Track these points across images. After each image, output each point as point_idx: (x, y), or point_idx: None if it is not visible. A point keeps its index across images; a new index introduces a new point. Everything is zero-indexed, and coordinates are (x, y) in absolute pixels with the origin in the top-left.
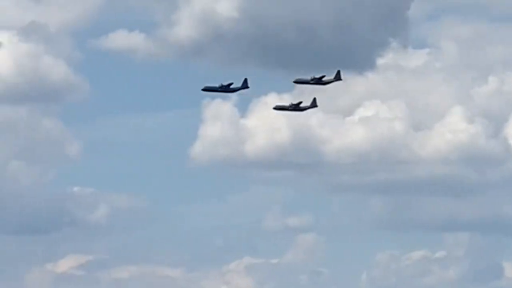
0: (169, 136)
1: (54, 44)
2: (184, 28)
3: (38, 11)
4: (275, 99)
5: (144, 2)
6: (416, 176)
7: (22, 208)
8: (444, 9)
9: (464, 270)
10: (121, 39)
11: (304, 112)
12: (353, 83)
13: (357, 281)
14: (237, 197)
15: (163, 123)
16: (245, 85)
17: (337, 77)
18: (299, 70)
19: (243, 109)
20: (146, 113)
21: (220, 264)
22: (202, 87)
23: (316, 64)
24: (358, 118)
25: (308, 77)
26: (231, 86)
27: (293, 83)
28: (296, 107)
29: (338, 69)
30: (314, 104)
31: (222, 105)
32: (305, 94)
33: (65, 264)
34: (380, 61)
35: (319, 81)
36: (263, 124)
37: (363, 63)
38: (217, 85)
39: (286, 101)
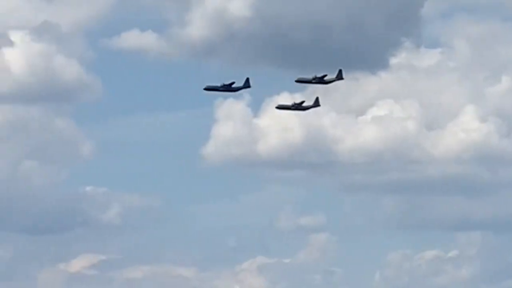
0: (182, 135)
1: (67, 44)
2: (197, 27)
3: (50, 11)
4: (287, 99)
5: (156, 2)
6: (429, 176)
7: (34, 208)
8: (456, 9)
9: (476, 270)
10: (134, 39)
11: (306, 111)
12: (366, 83)
13: (370, 280)
14: (250, 197)
15: (176, 123)
16: (247, 85)
17: (339, 76)
18: (312, 70)
19: (255, 108)
20: (159, 112)
21: (232, 263)
22: (204, 87)
23: (329, 64)
24: (371, 117)
25: (310, 76)
26: (233, 86)
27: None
28: (298, 106)
29: (340, 68)
30: (316, 104)
31: (235, 105)
32: (317, 93)
33: (77, 264)
34: (393, 61)
35: (321, 80)
36: (276, 123)
37: (376, 62)
38: (218, 84)
39: (299, 100)
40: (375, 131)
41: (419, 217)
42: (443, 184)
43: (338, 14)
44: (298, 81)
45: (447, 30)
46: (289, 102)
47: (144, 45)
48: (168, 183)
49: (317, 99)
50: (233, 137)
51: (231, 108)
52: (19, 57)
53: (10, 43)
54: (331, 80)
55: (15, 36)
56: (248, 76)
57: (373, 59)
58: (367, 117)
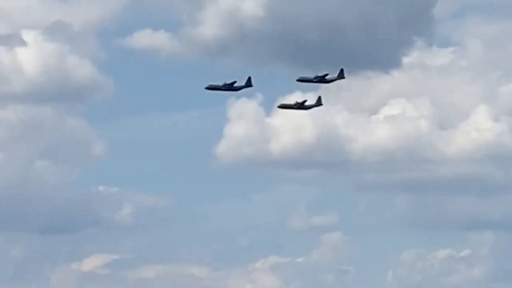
0: (194, 135)
1: (79, 44)
2: (209, 27)
3: (63, 11)
4: (300, 98)
5: (169, 1)
6: (441, 175)
7: (47, 208)
8: (469, 8)
9: (489, 269)
10: (146, 38)
11: (309, 110)
12: (379, 82)
13: (383, 280)
14: (262, 196)
15: (188, 122)
16: (248, 84)
17: (340, 76)
18: (324, 69)
19: (268, 108)
20: (171, 112)
21: (245, 263)
22: (206, 86)
23: (342, 63)
24: (383, 116)
25: (311, 75)
26: (235, 85)
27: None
28: (301, 106)
29: (341, 67)
30: (319, 103)
31: (247, 104)
32: (329, 92)
33: (90, 263)
34: (405, 60)
35: (322, 79)
36: (288, 123)
37: (389, 61)
38: (220, 83)
39: (312, 100)
40: (387, 130)
41: (431, 216)
42: (456, 183)
43: (351, 13)
44: (299, 80)
45: (459, 29)
46: (291, 102)
47: (156, 45)
48: (180, 183)
49: (319, 98)
50: (246, 137)
51: (243, 107)
52: (32, 57)
53: (23, 43)
54: (333, 79)
55: (27, 36)
56: (250, 76)
57: (385, 59)
58: (379, 116)
